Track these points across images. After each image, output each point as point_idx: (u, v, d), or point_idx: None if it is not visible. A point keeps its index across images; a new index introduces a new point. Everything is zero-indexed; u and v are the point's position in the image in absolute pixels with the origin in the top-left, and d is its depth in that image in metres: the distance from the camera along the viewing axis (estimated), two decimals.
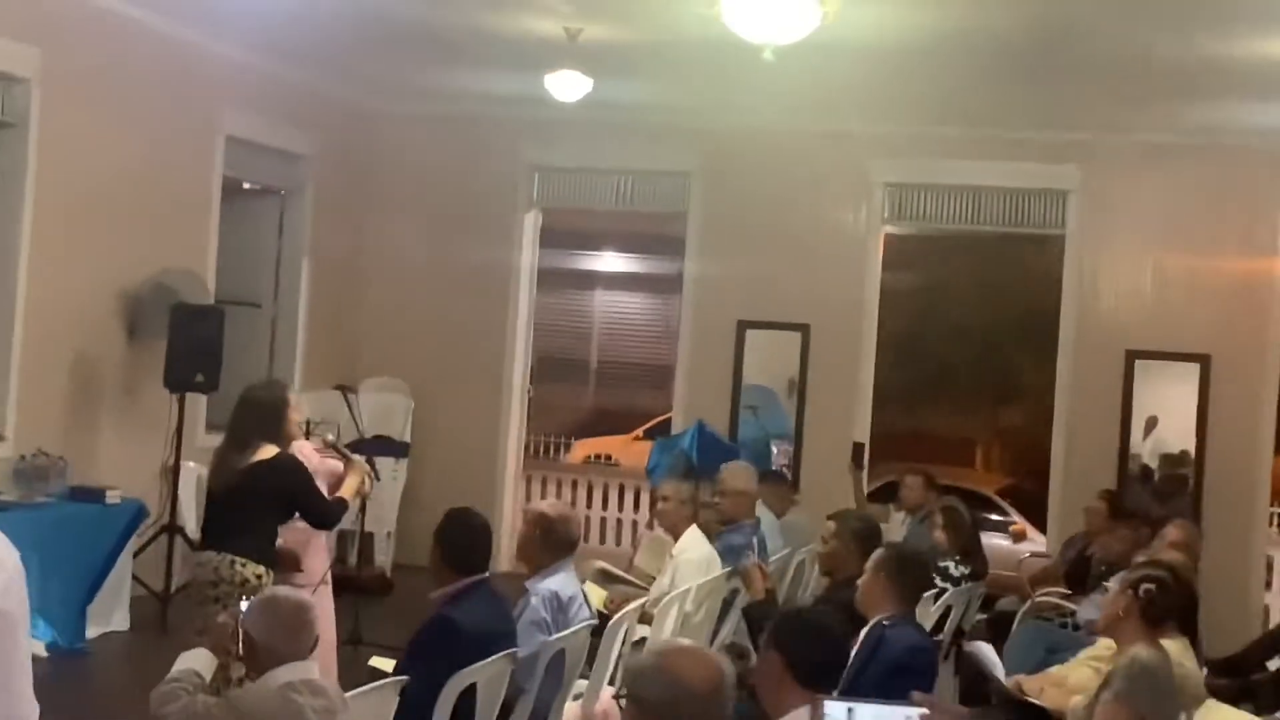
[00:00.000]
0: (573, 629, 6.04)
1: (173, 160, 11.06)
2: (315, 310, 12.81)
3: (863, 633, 5.74)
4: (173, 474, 10.28)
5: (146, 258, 10.67)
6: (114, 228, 10.45)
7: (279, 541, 6.65)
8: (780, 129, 12.57)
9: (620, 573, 8.49)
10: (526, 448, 19.99)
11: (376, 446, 12.26)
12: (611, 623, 6.63)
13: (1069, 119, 11.79)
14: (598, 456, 21.88)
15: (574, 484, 15.49)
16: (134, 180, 10.59)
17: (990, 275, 20.57)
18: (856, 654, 5.65)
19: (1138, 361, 12.02)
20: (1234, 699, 7.29)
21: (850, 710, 2.42)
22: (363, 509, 10.59)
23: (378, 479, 11.30)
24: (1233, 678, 8.68)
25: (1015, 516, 15.28)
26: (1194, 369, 11.90)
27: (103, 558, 9.43)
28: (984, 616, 8.93)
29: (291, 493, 6.45)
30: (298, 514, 6.63)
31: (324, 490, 6.84)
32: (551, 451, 22.87)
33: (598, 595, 7.92)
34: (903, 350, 23.20)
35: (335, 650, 7.22)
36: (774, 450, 13.15)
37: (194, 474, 10.96)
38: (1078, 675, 5.90)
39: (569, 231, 19.17)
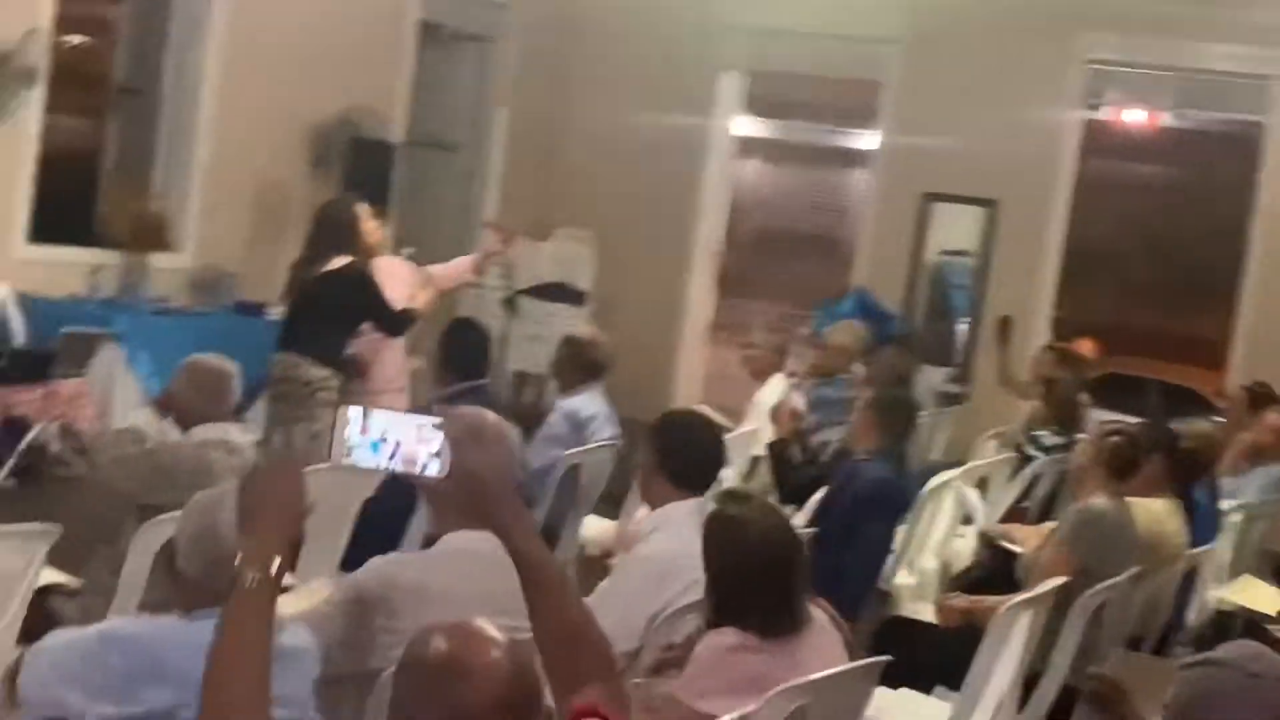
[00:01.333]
0: (588, 446, 6.30)
1: (367, 1, 11.56)
2: (510, 159, 13.20)
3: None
4: None
5: (335, 94, 11.21)
6: (305, 64, 10.97)
7: (352, 350, 7.08)
8: None
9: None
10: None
11: (552, 293, 12.77)
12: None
13: None
14: None
15: None
16: (329, 18, 11.12)
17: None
18: (829, 487, 5.79)
19: None
20: None
21: (365, 413, 2.59)
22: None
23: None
24: None
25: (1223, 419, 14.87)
26: None
27: (259, 367, 10.07)
28: None
29: (355, 301, 6.85)
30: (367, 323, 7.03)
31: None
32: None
33: None
34: (1154, 248, 22.53)
35: None
36: (957, 329, 13.13)
37: None
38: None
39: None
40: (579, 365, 6.54)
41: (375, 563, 3.55)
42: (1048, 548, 5.39)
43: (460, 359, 6.01)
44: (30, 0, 9.11)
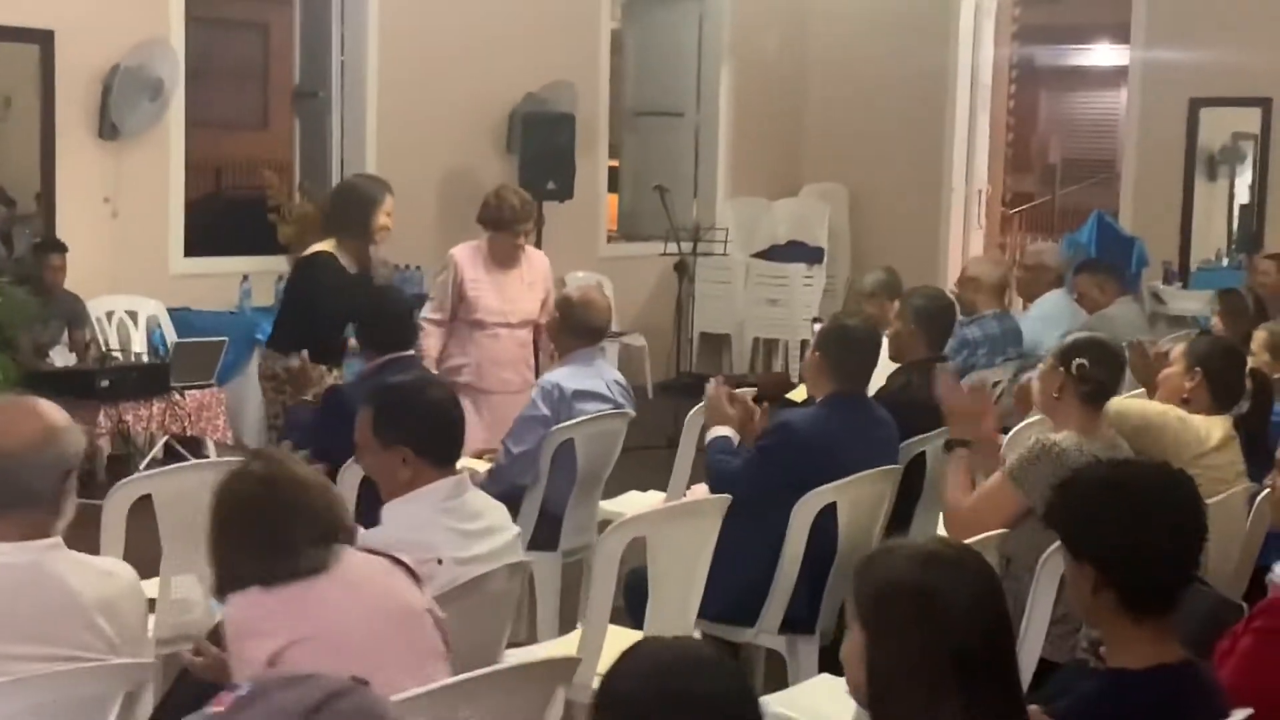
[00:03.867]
0: (573, 421, 5.66)
1: None
2: (739, 117, 12.53)
3: None
4: None
5: (528, 75, 10.87)
6: (493, 50, 10.70)
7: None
8: None
9: None
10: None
11: (786, 252, 12.08)
12: (689, 416, 6.17)
13: None
14: None
15: None
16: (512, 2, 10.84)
17: None
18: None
19: None
20: None
21: None
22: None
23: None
24: None
25: None
26: None
27: None
28: None
29: (310, 291, 6.44)
30: None
31: None
32: None
33: None
34: None
35: None
36: None
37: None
38: None
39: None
40: (569, 331, 5.87)
41: None
42: (988, 483, 4.40)
43: (378, 332, 5.51)
44: (157, 9, 9.08)
